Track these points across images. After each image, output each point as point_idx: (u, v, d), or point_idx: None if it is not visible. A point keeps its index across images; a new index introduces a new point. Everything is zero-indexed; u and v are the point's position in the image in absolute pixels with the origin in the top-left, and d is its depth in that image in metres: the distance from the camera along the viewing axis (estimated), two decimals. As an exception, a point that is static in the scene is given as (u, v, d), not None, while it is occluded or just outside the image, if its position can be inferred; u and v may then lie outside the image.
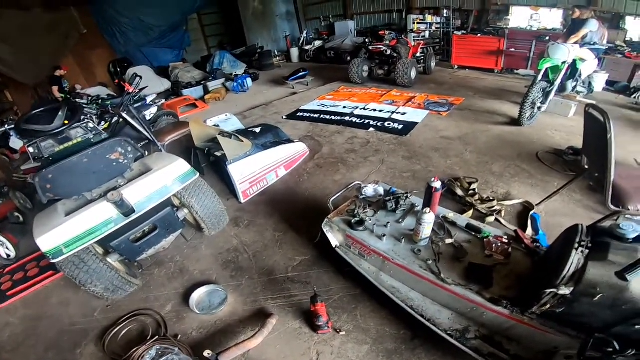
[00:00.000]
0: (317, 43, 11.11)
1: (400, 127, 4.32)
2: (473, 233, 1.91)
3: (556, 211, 2.62)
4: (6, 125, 5.71)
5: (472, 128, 4.21)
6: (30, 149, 2.37)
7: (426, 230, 1.80)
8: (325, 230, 2.16)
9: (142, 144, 3.29)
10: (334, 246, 2.17)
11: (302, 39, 11.76)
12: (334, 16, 12.43)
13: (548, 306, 1.34)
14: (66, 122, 2.40)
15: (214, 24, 13.94)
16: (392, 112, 4.85)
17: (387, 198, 2.14)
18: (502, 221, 2.52)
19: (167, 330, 2.04)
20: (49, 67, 8.15)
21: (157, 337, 1.98)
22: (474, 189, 2.89)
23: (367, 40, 9.28)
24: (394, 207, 2.10)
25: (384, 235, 1.93)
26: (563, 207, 2.66)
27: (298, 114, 5.27)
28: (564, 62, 3.96)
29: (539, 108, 4.14)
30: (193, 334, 2.01)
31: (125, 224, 2.03)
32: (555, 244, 1.65)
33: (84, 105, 5.05)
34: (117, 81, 7.02)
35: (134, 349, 1.88)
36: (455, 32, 8.07)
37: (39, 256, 2.89)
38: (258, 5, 12.57)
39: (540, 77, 4.02)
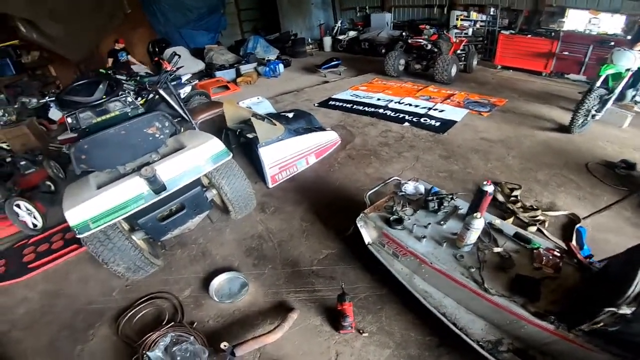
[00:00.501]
0: (352, 33, 10.85)
1: (438, 124, 4.12)
2: (522, 243, 1.74)
3: (603, 226, 2.42)
4: (47, 97, 6.02)
5: (515, 132, 3.95)
6: (69, 120, 2.39)
7: (473, 235, 1.65)
8: (359, 225, 2.04)
9: (175, 120, 3.29)
10: (366, 243, 2.05)
11: (337, 28, 11.55)
12: (371, 7, 12.10)
13: (601, 324, 1.28)
14: (104, 97, 2.42)
15: (249, 9, 13.91)
16: (429, 109, 4.63)
17: (430, 198, 1.99)
18: (545, 232, 2.34)
19: (183, 317, 1.98)
20: (94, 44, 8.49)
21: (172, 323, 1.93)
22: (515, 196, 2.70)
23: (404, 33, 8.97)
24: (436, 207, 1.95)
25: (424, 237, 1.79)
26: (610, 223, 2.46)
27: (330, 103, 5.14)
28: (627, 70, 3.64)
29: (593, 116, 3.82)
30: (210, 323, 1.95)
31: (155, 201, 1.98)
32: (613, 261, 1.53)
33: (123, 81, 5.19)
34: (156, 59, 7.13)
35: (148, 334, 1.83)
36: (502, 32, 7.64)
37: (65, 228, 2.90)
38: None
39: (599, 83, 3.71)
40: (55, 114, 5.77)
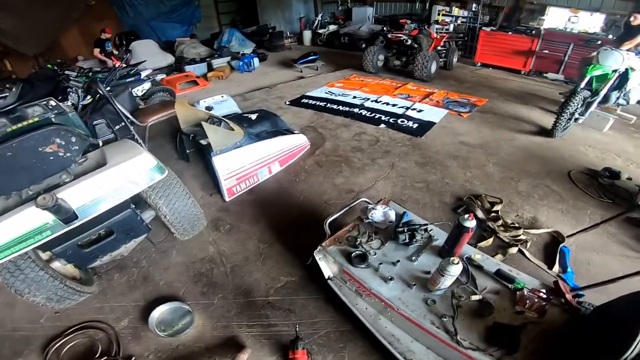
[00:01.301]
0: (332, 27, 10.53)
1: (415, 126, 3.85)
2: (504, 282, 1.48)
3: (586, 244, 2.24)
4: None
5: (495, 135, 3.74)
6: None
7: (447, 282, 1.38)
8: (317, 258, 1.74)
9: (120, 125, 2.87)
10: (326, 277, 1.76)
11: (317, 22, 11.17)
12: (353, 1, 11.77)
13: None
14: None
15: (227, 1, 13.29)
16: (407, 108, 4.37)
17: (400, 228, 1.69)
18: (527, 254, 2.13)
19: (119, 350, 1.72)
20: (53, 36, 7.89)
21: (106, 357, 1.68)
22: (496, 211, 2.47)
23: (385, 28, 8.71)
24: (407, 240, 1.67)
25: (391, 279, 1.51)
26: (594, 241, 2.28)
27: (302, 101, 4.79)
28: (614, 71, 3.44)
29: (576, 119, 3.65)
30: (150, 358, 1.67)
31: (68, 230, 1.61)
32: (607, 307, 1.32)
33: (72, 78, 4.72)
34: (112, 58, 6.65)
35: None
36: (483, 28, 7.47)
37: None
38: None
39: (583, 84, 3.51)
40: None
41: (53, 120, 2.05)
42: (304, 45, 10.93)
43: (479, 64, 7.27)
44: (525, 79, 6.34)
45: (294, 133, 3.25)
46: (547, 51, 6.29)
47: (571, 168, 3.07)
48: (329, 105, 4.54)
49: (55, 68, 5.54)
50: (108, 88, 3.26)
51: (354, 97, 4.84)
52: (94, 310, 1.94)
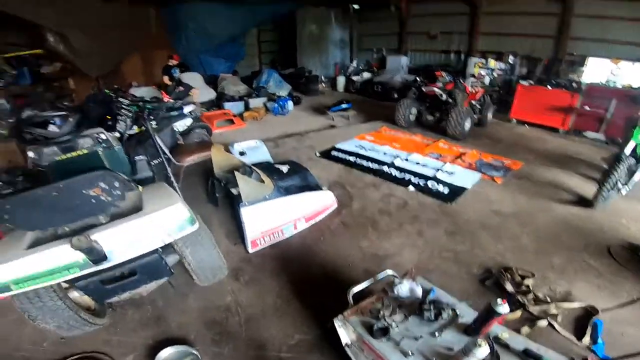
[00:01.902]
0: (366, 75, 11.18)
1: (446, 191, 3.97)
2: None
3: (620, 317, 2.27)
4: (49, 112, 6.22)
5: (531, 204, 3.79)
6: (30, 153, 2.31)
7: None
8: (337, 325, 1.88)
9: (159, 160, 3.19)
10: (343, 344, 1.88)
11: (351, 68, 11.94)
12: (388, 49, 12.55)
13: None
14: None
15: (269, 41, 14.65)
16: (438, 169, 4.51)
17: (426, 305, 1.80)
18: (557, 327, 2.17)
19: None
20: (117, 60, 8.95)
21: None
22: (527, 285, 2.51)
23: (418, 79, 9.14)
24: (432, 318, 1.79)
25: (412, 354, 1.62)
26: (629, 314, 2.30)
27: (333, 153, 5.10)
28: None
29: (619, 190, 3.63)
30: None
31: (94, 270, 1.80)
32: None
33: (124, 107, 5.38)
34: (163, 93, 7.40)
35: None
36: (520, 82, 7.66)
37: None
38: (315, 29, 13.04)
39: (629, 151, 3.53)
40: (53, 130, 5.91)
41: (100, 153, 2.39)
42: (337, 91, 11.62)
43: (515, 121, 7.39)
44: (563, 139, 6.37)
45: (322, 189, 3.48)
46: (587, 108, 6.30)
47: (611, 242, 3.07)
48: (358, 160, 4.79)
49: (111, 94, 6.30)
50: (154, 123, 3.66)
51: (384, 154, 5.07)
52: (101, 342, 2.09)
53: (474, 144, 5.69)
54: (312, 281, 2.60)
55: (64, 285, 1.99)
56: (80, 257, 1.72)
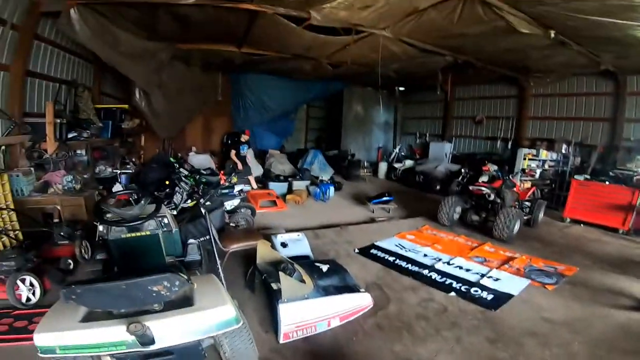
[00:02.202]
0: (408, 163, 12.17)
1: (490, 297, 4.27)
2: None
3: None
4: (123, 169, 7.72)
5: (586, 311, 3.99)
6: (100, 227, 3.01)
7: None
8: None
9: (206, 238, 3.87)
10: None
11: (394, 154, 13.06)
12: (431, 135, 13.73)
13: None
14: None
15: (317, 118, 16.64)
16: (482, 275, 4.81)
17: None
18: None
19: None
20: (182, 125, 10.56)
21: None
22: None
23: (463, 170, 9.88)
24: None
25: None
26: None
27: (372, 251, 5.63)
28: None
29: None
30: None
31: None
32: None
33: (182, 178, 6.55)
34: (221, 173, 8.29)
35: None
36: (575, 176, 7.98)
37: None
38: (360, 109, 14.73)
39: None
40: (118, 189, 7.01)
41: (160, 236, 3.12)
42: (379, 178, 12.67)
43: (569, 220, 7.59)
44: (624, 240, 6.51)
45: (360, 291, 3.96)
46: None
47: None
48: (397, 261, 5.25)
49: (174, 162, 7.54)
50: (207, 201, 4.51)
51: (425, 255, 5.48)
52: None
53: (523, 248, 5.96)
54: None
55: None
56: (130, 337, 2.17)
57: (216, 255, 3.83)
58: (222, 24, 7.25)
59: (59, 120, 6.45)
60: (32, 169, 5.66)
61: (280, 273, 3.60)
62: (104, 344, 2.16)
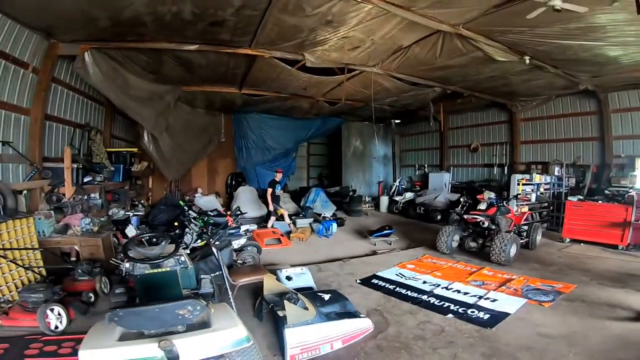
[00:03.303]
0: (408, 195, 12.48)
1: (487, 317, 4.44)
2: None
3: None
4: (132, 212, 8.14)
5: (582, 324, 4.16)
6: (127, 265, 3.45)
7: None
8: None
9: (217, 273, 4.29)
10: None
11: (395, 188, 13.42)
12: (430, 165, 14.13)
13: None
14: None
15: (318, 154, 17.19)
16: (480, 297, 4.99)
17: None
18: None
19: None
20: (188, 167, 10.95)
21: None
22: None
23: (462, 199, 10.15)
24: None
25: None
26: None
27: (373, 281, 5.84)
28: None
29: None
30: None
31: None
32: None
33: (192, 219, 6.91)
34: (227, 212, 8.52)
35: None
36: (569, 198, 8.25)
37: (79, 339, 3.46)
38: (359, 144, 15.26)
39: None
40: (130, 230, 7.41)
41: (178, 271, 3.52)
42: (381, 212, 12.95)
43: (568, 240, 7.81)
44: (623, 255, 6.71)
45: (360, 317, 4.22)
46: None
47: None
48: (397, 288, 5.44)
49: (183, 205, 7.88)
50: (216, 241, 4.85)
51: (424, 282, 5.66)
52: None
53: (521, 270, 6.17)
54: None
55: None
56: (160, 354, 2.61)
57: (228, 288, 4.22)
58: (223, 67, 7.97)
59: (75, 165, 6.96)
60: (52, 212, 6.07)
61: (285, 301, 3.95)
62: (138, 359, 2.55)
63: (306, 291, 4.75)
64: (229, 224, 5.83)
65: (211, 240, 5.19)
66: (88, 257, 5.68)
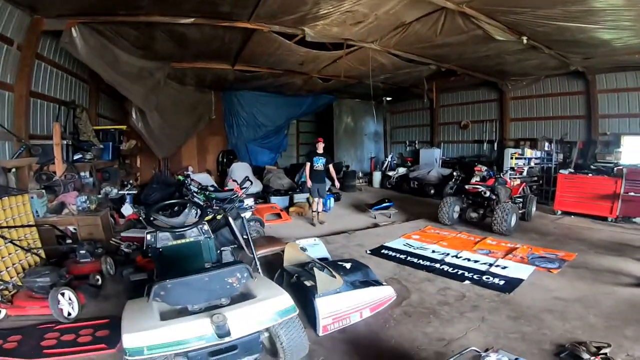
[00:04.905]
0: (401, 170, 12.58)
1: (502, 282, 4.58)
2: None
3: None
4: (126, 190, 7.76)
5: (592, 289, 4.37)
6: (148, 236, 3.21)
7: None
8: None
9: (232, 247, 4.06)
10: None
11: (387, 163, 13.51)
12: (420, 142, 14.27)
13: None
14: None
15: (308, 132, 16.93)
16: (490, 265, 5.14)
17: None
18: None
19: None
20: (179, 145, 10.59)
21: None
22: (604, 354, 2.97)
23: (455, 173, 10.32)
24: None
25: None
26: None
27: (383, 251, 5.92)
28: None
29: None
30: None
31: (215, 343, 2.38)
32: None
33: (194, 193, 6.67)
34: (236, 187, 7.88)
35: None
36: (560, 171, 8.52)
37: (97, 324, 3.44)
38: (351, 121, 15.20)
39: None
40: (127, 209, 7.15)
41: (201, 243, 3.32)
42: (374, 187, 13.02)
43: (559, 212, 8.11)
44: (613, 227, 7.04)
45: (382, 285, 4.26)
46: (632, 193, 7.00)
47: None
48: (409, 258, 5.54)
49: (183, 180, 7.61)
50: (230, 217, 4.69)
51: (433, 252, 5.78)
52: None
53: (522, 239, 6.38)
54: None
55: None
56: (209, 330, 2.35)
57: (255, 258, 4.06)
58: (218, 41, 7.62)
59: (65, 142, 6.56)
60: (43, 191, 5.71)
61: (315, 269, 3.87)
62: (186, 340, 2.30)
63: (326, 261, 4.69)
64: (239, 195, 5.63)
65: (225, 211, 5.00)
66: (87, 237, 5.38)
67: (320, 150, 7.82)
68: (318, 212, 7.95)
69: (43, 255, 4.68)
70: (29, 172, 5.92)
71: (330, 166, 7.89)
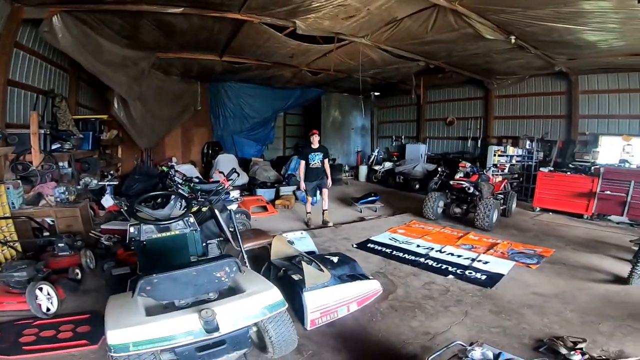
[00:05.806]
0: (387, 165, 12.67)
1: (484, 277, 4.70)
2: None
3: None
4: (106, 181, 7.59)
5: (569, 285, 4.52)
6: (131, 229, 3.12)
7: None
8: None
9: (219, 240, 3.99)
10: None
11: (373, 157, 13.59)
12: (407, 137, 14.41)
13: None
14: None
15: (295, 125, 16.87)
16: (473, 260, 5.27)
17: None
18: None
19: None
20: (162, 136, 10.34)
21: None
22: (580, 348, 3.06)
23: (440, 169, 10.51)
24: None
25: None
26: None
27: (369, 245, 5.98)
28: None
29: (651, 266, 4.39)
30: None
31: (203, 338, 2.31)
32: None
33: (179, 185, 6.56)
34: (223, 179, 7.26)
35: None
36: (540, 169, 8.77)
37: (78, 320, 3.37)
38: (338, 115, 15.17)
39: None
40: (107, 201, 7.00)
41: (187, 236, 3.25)
42: (360, 181, 13.09)
43: (538, 209, 8.37)
44: (589, 224, 7.31)
45: (369, 279, 4.29)
46: (608, 192, 7.25)
47: (652, 309, 3.74)
48: (394, 252, 5.63)
49: (167, 171, 7.44)
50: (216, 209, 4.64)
51: (418, 246, 5.89)
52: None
53: (502, 235, 6.57)
54: (373, 356, 3.19)
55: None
56: (196, 326, 2.32)
57: (242, 252, 3.99)
58: (206, 32, 7.44)
59: (42, 131, 6.34)
60: (19, 181, 5.52)
61: (303, 263, 3.86)
62: (173, 336, 2.27)
63: (313, 255, 4.70)
64: (225, 187, 5.55)
65: (211, 203, 4.93)
66: (65, 229, 5.23)
67: (315, 144, 7.11)
68: (323, 211, 7.46)
69: (19, 248, 4.56)
70: (4, 161, 5.69)
71: (326, 161, 7.27)
